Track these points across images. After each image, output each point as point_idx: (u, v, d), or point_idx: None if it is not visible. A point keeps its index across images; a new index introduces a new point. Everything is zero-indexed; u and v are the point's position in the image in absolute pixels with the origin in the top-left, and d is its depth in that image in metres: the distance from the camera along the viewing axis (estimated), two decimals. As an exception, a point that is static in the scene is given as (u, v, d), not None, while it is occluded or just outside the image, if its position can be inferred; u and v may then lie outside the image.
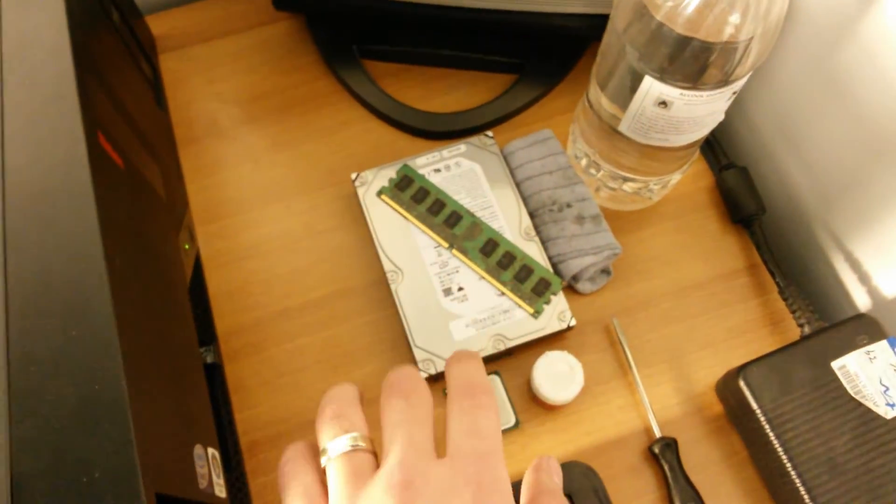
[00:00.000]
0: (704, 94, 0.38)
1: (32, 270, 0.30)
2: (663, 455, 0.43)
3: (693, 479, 0.42)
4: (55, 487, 0.27)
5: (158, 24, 0.55)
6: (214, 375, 0.44)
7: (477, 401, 0.27)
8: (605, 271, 0.48)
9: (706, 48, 0.35)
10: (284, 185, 0.51)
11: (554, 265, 0.46)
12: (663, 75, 0.37)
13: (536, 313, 0.45)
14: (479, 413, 0.27)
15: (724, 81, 0.37)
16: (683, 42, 0.35)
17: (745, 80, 0.38)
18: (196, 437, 0.36)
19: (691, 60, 0.36)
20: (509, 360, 0.46)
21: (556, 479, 0.30)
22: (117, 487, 0.27)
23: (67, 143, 0.32)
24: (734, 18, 0.34)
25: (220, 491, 0.37)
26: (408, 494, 0.24)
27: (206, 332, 0.46)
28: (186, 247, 0.46)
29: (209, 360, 0.44)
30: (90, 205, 0.31)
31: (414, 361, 0.44)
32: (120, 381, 0.29)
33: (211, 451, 0.37)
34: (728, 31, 0.35)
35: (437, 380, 0.45)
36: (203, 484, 0.35)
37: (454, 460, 0.26)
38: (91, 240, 0.31)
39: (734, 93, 0.39)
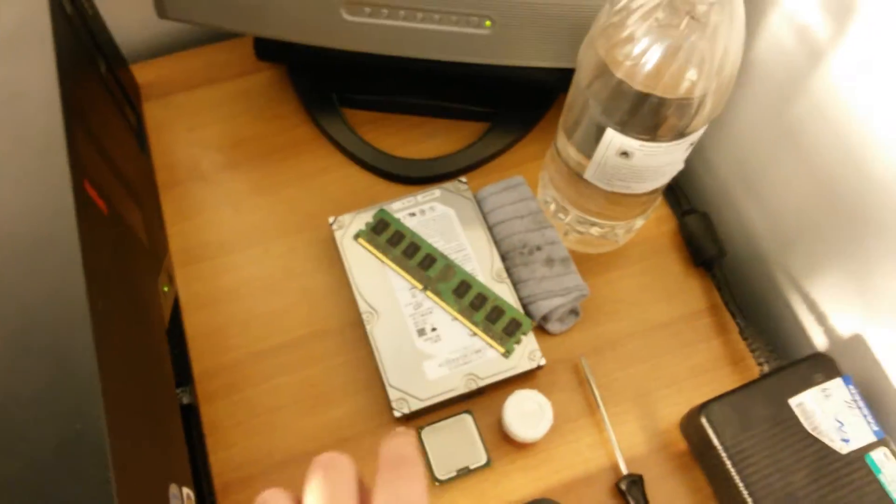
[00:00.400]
0: (663, 145, 0.40)
1: (17, 313, 0.31)
2: (630, 492, 0.44)
3: (659, 515, 0.44)
4: (34, 525, 0.28)
5: (143, 73, 0.57)
6: (190, 416, 0.45)
7: (401, 472, 0.28)
8: (574, 312, 0.50)
9: (663, 103, 0.38)
10: (264, 229, 0.52)
11: (524, 306, 0.48)
12: (624, 128, 0.40)
13: (507, 353, 0.46)
14: (401, 483, 0.27)
15: (681, 134, 0.40)
16: (642, 98, 0.38)
17: (700, 132, 0.41)
18: (171, 476, 0.37)
19: (649, 114, 0.38)
20: (481, 399, 0.47)
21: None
22: (96, 526, 0.28)
23: (55, 192, 0.33)
24: (691, 75, 0.37)
25: (195, 530, 0.38)
26: None
27: (182, 373, 0.47)
28: (165, 289, 0.47)
29: (185, 401, 0.45)
30: (75, 251, 0.32)
31: (388, 401, 0.45)
32: (100, 421, 0.30)
33: (186, 490, 0.38)
34: (684, 87, 0.37)
35: (410, 419, 0.46)
36: (178, 523, 0.35)
37: None
38: (75, 285, 0.32)
39: (691, 144, 0.41)
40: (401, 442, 0.29)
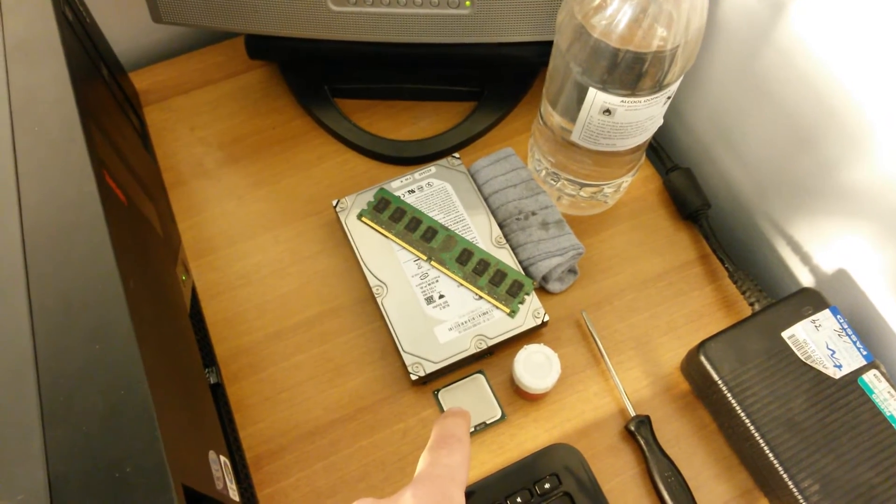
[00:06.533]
0: (642, 99, 0.43)
1: (54, 294, 0.33)
2: (639, 431, 0.46)
3: (668, 452, 0.46)
4: (90, 484, 0.30)
5: (141, 80, 0.59)
6: (218, 395, 0.47)
7: (446, 444, 0.33)
8: (572, 271, 0.52)
9: (639, 58, 0.40)
10: (270, 217, 0.54)
11: (525, 268, 0.50)
12: (605, 86, 0.42)
13: (512, 313, 0.49)
14: (443, 453, 0.32)
15: (658, 87, 0.42)
16: (618, 54, 0.40)
17: (676, 85, 0.43)
18: (209, 444, 0.39)
19: (627, 70, 0.41)
20: (491, 360, 0.49)
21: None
22: (148, 480, 0.30)
23: (78, 180, 0.36)
24: (661, 31, 0.40)
25: (234, 495, 0.40)
26: None
27: (206, 356, 0.49)
28: (183, 278, 0.49)
29: (212, 380, 0.47)
30: (103, 232, 0.34)
31: (403, 367, 0.47)
32: (144, 385, 0.32)
33: (223, 458, 0.40)
34: (656, 43, 0.40)
35: (426, 382, 0.48)
36: (219, 485, 0.37)
37: (413, 484, 0.31)
38: (107, 263, 0.34)
39: (668, 97, 0.44)
40: (451, 422, 0.34)
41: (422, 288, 0.49)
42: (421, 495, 0.30)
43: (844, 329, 0.46)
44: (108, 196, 0.37)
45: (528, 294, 0.49)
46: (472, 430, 0.47)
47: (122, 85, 0.54)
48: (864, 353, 0.46)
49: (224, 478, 0.39)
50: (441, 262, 0.50)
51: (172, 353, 0.39)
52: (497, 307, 0.49)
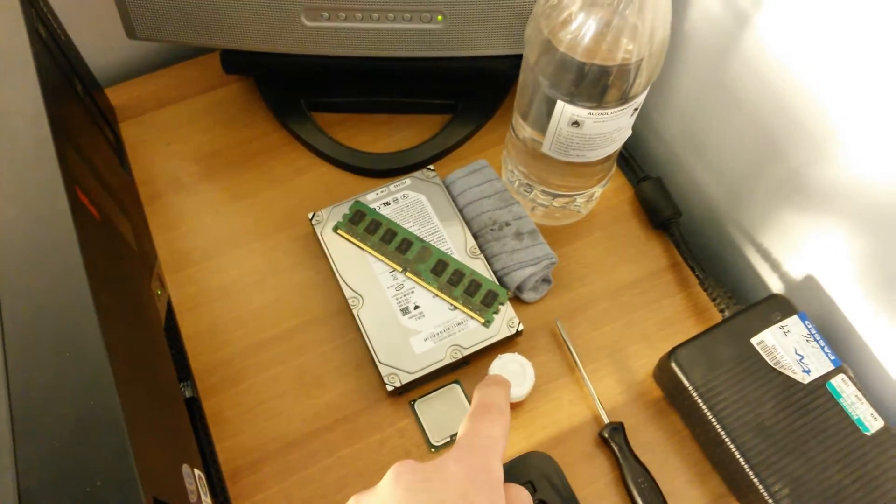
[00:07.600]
0: (609, 111, 0.43)
1: (25, 308, 0.33)
2: (612, 438, 0.47)
3: (641, 458, 0.47)
4: (60, 498, 0.30)
5: (117, 95, 0.60)
6: (193, 409, 0.47)
7: (486, 415, 0.33)
8: (546, 280, 0.53)
9: (604, 71, 0.41)
10: (246, 231, 0.55)
11: (499, 278, 0.51)
12: (573, 99, 0.43)
13: (487, 323, 0.49)
14: (483, 425, 0.33)
15: (624, 99, 0.43)
16: (584, 68, 0.41)
17: (643, 97, 0.44)
18: (183, 458, 0.39)
19: (593, 83, 0.42)
20: (467, 369, 0.50)
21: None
22: (119, 493, 0.30)
23: (50, 196, 0.36)
24: (626, 44, 0.40)
25: (209, 508, 0.40)
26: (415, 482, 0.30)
27: (182, 370, 0.49)
28: (158, 293, 0.49)
29: (187, 394, 0.47)
30: (74, 248, 0.35)
31: (380, 378, 0.48)
32: (114, 398, 0.32)
33: (197, 472, 0.40)
34: (621, 55, 0.41)
35: (402, 392, 0.48)
36: (193, 499, 0.37)
37: (456, 451, 0.31)
38: (78, 278, 0.34)
39: (635, 109, 0.45)
40: (493, 391, 0.35)
41: (397, 299, 0.50)
42: (464, 464, 0.31)
43: (812, 334, 0.47)
44: (81, 212, 0.37)
45: (502, 304, 0.50)
46: (447, 440, 0.48)
47: (97, 100, 0.54)
48: (832, 357, 0.46)
49: (198, 491, 0.39)
50: (416, 274, 0.50)
51: (145, 367, 0.39)
52: (472, 317, 0.49)
